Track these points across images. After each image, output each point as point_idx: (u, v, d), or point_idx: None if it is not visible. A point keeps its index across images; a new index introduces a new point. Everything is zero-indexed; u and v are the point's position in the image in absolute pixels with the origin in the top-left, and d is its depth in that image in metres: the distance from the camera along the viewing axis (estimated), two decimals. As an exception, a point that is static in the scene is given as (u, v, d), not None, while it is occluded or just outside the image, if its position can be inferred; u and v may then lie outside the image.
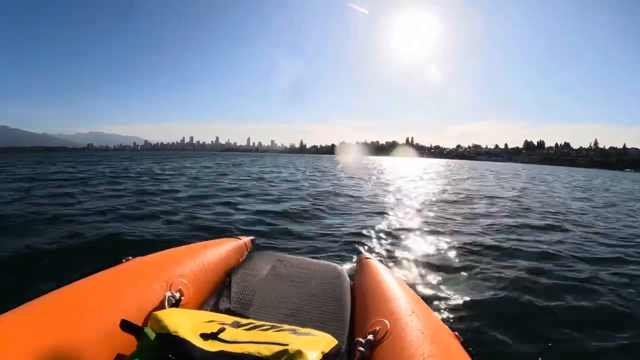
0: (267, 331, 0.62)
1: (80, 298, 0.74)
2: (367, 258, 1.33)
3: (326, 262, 1.35)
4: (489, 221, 4.84)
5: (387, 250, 3.20)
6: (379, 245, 3.36)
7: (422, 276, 2.56)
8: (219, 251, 1.20)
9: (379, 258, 1.56)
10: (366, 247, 3.25)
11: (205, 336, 0.57)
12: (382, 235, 3.75)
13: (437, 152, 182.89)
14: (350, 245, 3.28)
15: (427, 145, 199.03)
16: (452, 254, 3.12)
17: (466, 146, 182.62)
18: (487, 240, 3.71)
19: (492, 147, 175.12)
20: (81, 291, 0.77)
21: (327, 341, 0.59)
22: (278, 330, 0.63)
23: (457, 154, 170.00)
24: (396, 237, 3.69)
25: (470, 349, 0.71)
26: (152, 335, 0.56)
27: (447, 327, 0.79)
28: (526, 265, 2.85)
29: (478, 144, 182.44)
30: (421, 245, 3.40)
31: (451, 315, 1.95)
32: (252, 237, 1.53)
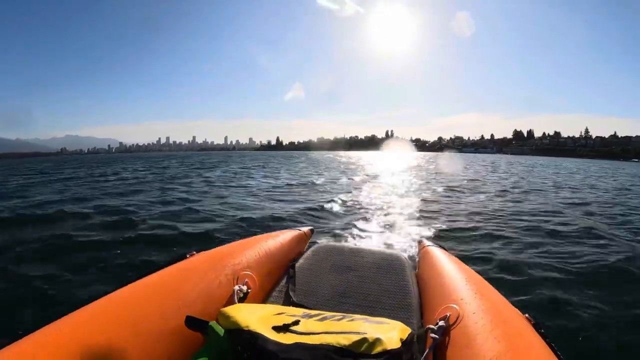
0: (340, 321, 0.60)
1: (147, 295, 0.73)
2: (428, 245, 1.31)
3: (388, 251, 1.33)
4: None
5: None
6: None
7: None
8: (281, 242, 1.20)
9: (439, 244, 1.48)
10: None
11: (278, 329, 0.55)
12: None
13: (418, 144, 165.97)
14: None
15: (407, 138, 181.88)
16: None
17: (447, 138, 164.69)
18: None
19: (475, 138, 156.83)
20: (148, 288, 0.76)
21: (401, 328, 0.58)
22: (351, 320, 0.61)
23: (441, 146, 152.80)
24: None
25: (542, 331, 0.67)
26: (220, 330, 0.55)
27: (517, 309, 0.76)
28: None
29: (460, 135, 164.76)
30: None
31: (521, 299, 1.89)
32: (311, 227, 1.53)
